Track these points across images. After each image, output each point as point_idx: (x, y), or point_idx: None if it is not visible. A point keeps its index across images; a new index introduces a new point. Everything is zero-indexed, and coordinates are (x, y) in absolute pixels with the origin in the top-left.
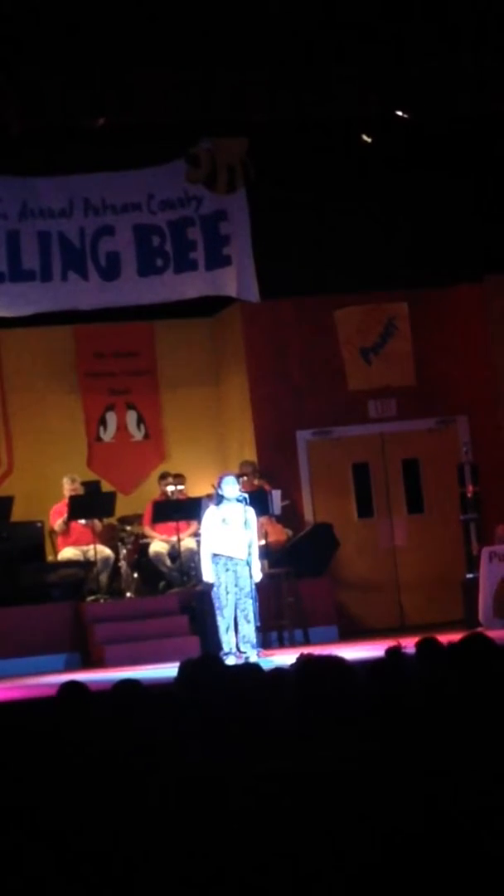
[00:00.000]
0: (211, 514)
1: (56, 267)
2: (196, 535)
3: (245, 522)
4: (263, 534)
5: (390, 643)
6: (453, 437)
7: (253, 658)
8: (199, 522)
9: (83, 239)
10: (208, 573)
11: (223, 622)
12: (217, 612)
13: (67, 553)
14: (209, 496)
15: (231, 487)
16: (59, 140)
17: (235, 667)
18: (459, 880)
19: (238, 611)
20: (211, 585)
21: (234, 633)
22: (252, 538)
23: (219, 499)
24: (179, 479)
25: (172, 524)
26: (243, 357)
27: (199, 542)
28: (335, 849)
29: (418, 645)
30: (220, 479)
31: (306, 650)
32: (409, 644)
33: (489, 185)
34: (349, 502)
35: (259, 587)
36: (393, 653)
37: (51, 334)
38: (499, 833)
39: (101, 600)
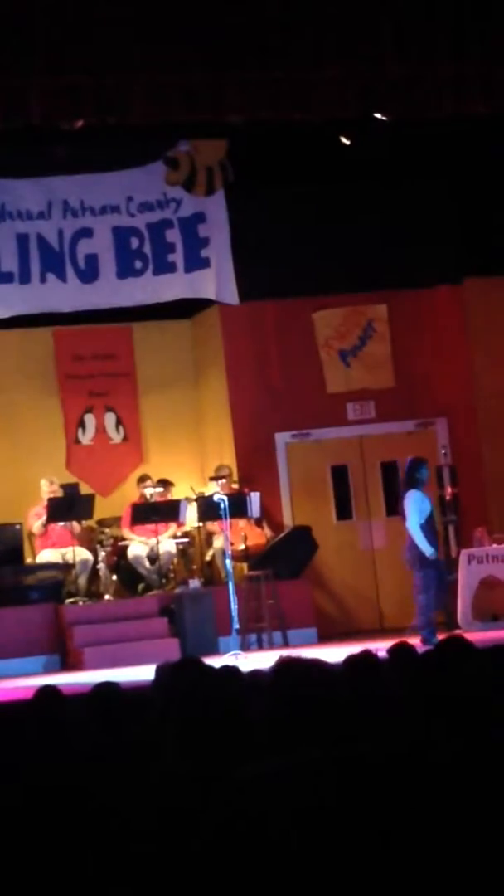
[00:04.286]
0: (421, 498)
1: (34, 269)
2: (175, 536)
3: None
4: (242, 537)
5: (369, 645)
6: (432, 439)
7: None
8: (178, 524)
9: (62, 241)
10: (430, 549)
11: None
12: (433, 591)
13: (46, 555)
14: (188, 498)
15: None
16: (38, 141)
17: (214, 670)
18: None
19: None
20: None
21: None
22: None
23: (420, 483)
24: (166, 485)
25: (151, 526)
26: (222, 359)
27: (178, 544)
28: (318, 853)
29: (391, 650)
30: (420, 463)
31: (285, 652)
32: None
33: (469, 188)
34: (328, 505)
35: (238, 590)
36: (363, 658)
37: (29, 336)
38: (481, 834)
39: (80, 602)
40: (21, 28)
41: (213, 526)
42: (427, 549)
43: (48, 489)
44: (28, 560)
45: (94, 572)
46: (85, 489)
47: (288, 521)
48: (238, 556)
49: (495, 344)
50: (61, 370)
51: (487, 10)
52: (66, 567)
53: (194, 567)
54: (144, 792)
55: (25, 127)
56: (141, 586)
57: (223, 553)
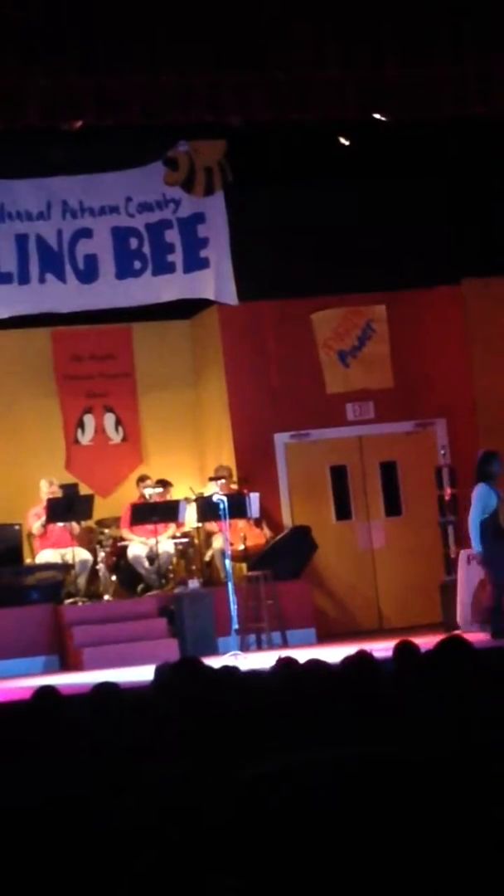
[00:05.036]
0: (488, 492)
1: (34, 269)
2: (174, 537)
3: None
4: (242, 537)
5: (368, 645)
6: (431, 439)
7: None
8: (177, 525)
9: (61, 241)
10: (478, 547)
11: None
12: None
13: (45, 556)
14: (187, 499)
15: (500, 467)
16: (37, 142)
17: (214, 670)
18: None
19: None
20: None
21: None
22: None
23: (491, 477)
24: (165, 485)
25: (151, 526)
26: (221, 359)
27: (177, 545)
28: (318, 851)
29: (395, 649)
30: (492, 456)
31: (284, 653)
32: (386, 648)
33: (467, 189)
34: (327, 505)
35: (237, 590)
36: (362, 658)
37: (28, 337)
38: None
39: (80, 603)
40: (21, 28)
41: (212, 526)
42: (476, 546)
43: (47, 489)
44: (27, 560)
45: (93, 572)
46: (84, 489)
47: (287, 521)
48: (237, 557)
49: (495, 344)
50: (60, 371)
51: (487, 10)
52: (65, 567)
53: (193, 567)
54: (144, 792)
55: (25, 127)
56: (140, 587)
57: (222, 553)
